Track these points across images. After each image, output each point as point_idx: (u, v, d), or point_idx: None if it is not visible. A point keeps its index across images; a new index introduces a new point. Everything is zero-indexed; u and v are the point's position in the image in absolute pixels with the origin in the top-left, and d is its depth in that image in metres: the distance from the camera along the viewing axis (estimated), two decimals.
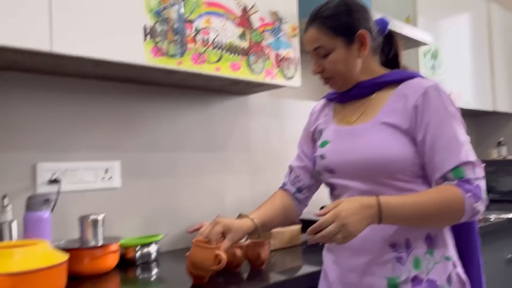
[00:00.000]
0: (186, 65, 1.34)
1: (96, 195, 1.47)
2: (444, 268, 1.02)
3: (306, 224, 1.64)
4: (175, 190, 1.66)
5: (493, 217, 2.12)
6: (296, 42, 1.69)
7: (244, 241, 1.27)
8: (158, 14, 1.28)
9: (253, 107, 1.93)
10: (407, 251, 1.02)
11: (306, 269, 1.23)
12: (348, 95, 1.17)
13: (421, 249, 1.02)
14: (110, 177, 1.49)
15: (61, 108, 1.42)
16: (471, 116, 3.25)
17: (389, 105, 1.08)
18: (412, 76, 1.10)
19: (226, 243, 1.10)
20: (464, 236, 1.13)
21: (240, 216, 1.76)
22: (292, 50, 1.67)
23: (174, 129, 1.67)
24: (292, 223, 1.59)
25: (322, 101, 1.30)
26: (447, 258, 1.04)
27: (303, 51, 1.79)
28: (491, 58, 2.91)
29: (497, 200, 2.78)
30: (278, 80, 1.61)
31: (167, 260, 1.46)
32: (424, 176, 1.06)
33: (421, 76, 1.10)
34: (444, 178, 1.00)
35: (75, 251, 1.21)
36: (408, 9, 2.32)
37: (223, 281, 1.13)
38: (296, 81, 1.68)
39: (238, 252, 1.21)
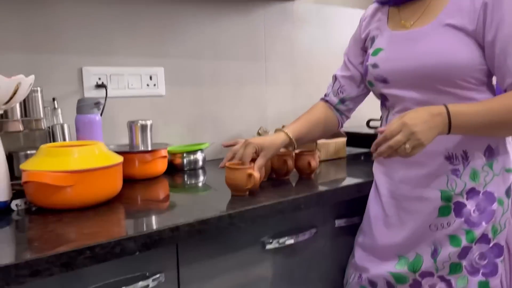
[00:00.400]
0: None
1: (142, 102, 1.45)
2: (504, 180, 0.99)
3: (352, 137, 1.60)
4: (218, 99, 1.63)
5: None
6: None
7: (295, 150, 1.25)
8: None
9: (298, 15, 1.81)
10: (464, 163, 0.98)
11: (353, 180, 1.21)
12: None
13: (480, 161, 0.98)
14: (155, 84, 1.46)
15: (107, 12, 1.36)
16: None
17: (452, 4, 0.97)
18: None
19: (259, 161, 1.08)
20: None
21: (283, 127, 1.73)
22: None
23: (218, 37, 1.59)
24: (335, 135, 1.56)
25: (374, 5, 1.18)
26: (508, 170, 0.99)
27: None
28: None
29: None
30: None
31: (211, 168, 1.47)
32: (488, 83, 0.98)
33: None
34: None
35: (126, 155, 1.22)
36: None
37: (272, 188, 1.13)
38: None
39: (289, 160, 1.19)
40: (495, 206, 0.96)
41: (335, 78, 1.27)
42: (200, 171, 1.42)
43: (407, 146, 0.87)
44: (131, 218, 0.91)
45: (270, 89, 1.76)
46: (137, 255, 0.79)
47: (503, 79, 0.94)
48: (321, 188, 1.13)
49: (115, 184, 1.02)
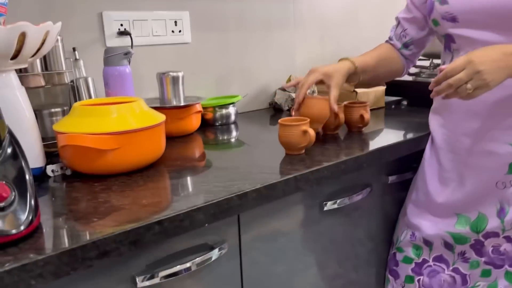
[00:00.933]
0: None
1: (167, 51, 1.31)
2: None
3: (391, 85, 1.50)
4: (246, 47, 1.49)
5: None
6: None
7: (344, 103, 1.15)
8: None
9: None
10: None
11: (406, 132, 1.12)
12: None
13: None
14: (180, 31, 1.31)
15: None
16: None
17: None
18: None
19: (333, 91, 1.00)
20: None
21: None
22: None
23: None
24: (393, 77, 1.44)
25: None
26: None
27: None
28: None
29: None
30: None
31: (244, 122, 1.36)
32: None
33: None
34: None
35: (159, 110, 1.11)
36: None
37: (327, 145, 1.04)
38: None
39: (340, 113, 1.09)
40: None
41: (398, 20, 1.15)
42: (233, 126, 1.32)
43: (469, 86, 0.78)
44: (184, 184, 0.81)
45: (298, 34, 1.62)
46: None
47: None
48: (380, 143, 1.03)
49: (160, 145, 0.91)
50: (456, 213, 1.01)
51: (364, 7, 1.82)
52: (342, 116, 1.10)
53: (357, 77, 1.08)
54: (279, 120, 0.96)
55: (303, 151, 0.96)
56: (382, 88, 1.45)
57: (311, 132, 0.93)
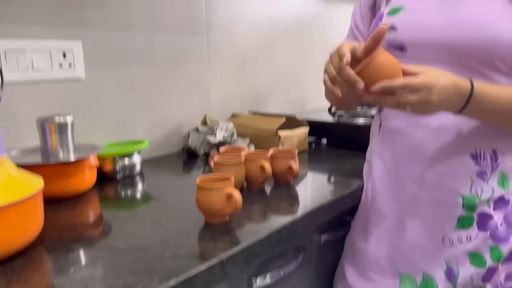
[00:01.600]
0: None
1: (53, 89, 1.06)
2: None
3: (313, 126, 1.40)
4: (153, 82, 1.29)
5: None
6: None
7: (270, 152, 1.00)
8: None
9: None
10: (493, 165, 0.82)
11: (342, 179, 1.01)
12: None
13: (510, 163, 0.82)
14: (70, 64, 1.08)
15: None
16: None
17: None
18: None
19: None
20: None
21: (234, 115, 1.46)
22: None
23: (150, 1, 1.24)
24: (297, 124, 1.33)
25: None
26: None
27: None
28: None
29: None
30: None
31: (151, 172, 1.16)
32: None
33: None
34: None
35: (38, 168, 0.86)
36: None
37: (254, 206, 0.87)
38: None
39: (267, 165, 0.93)
40: None
41: None
42: (138, 178, 1.10)
43: (409, 109, 0.70)
44: (66, 284, 0.58)
45: (213, 69, 1.46)
46: None
47: None
48: (315, 200, 0.89)
49: (35, 223, 0.67)
50: (398, 271, 0.90)
51: (279, 41, 1.73)
52: (269, 168, 0.94)
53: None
54: (197, 180, 0.77)
55: (227, 217, 0.78)
56: (305, 130, 1.34)
57: (237, 197, 0.75)
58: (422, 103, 0.70)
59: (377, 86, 0.69)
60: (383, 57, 0.70)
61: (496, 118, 0.78)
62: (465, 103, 0.73)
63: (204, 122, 1.35)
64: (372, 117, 1.34)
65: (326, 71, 0.78)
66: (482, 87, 0.74)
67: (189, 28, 1.36)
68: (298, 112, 1.80)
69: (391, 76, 0.69)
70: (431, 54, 0.82)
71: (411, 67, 0.72)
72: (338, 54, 0.74)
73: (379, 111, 0.96)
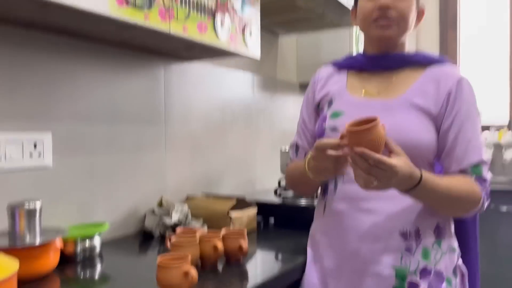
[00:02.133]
0: (153, 20, 1.10)
1: (23, 177, 1.15)
2: (450, 259, 1.02)
3: (261, 207, 1.54)
4: (114, 169, 1.40)
5: None
6: (258, 7, 1.53)
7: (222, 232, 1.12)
8: None
9: (196, 75, 1.72)
10: (417, 240, 0.99)
11: (285, 255, 1.13)
12: (375, 64, 1.07)
13: (430, 239, 1.00)
14: (40, 154, 1.18)
15: None
16: None
17: (418, 85, 1.01)
18: (442, 61, 1.05)
19: None
20: (469, 228, 1.15)
21: (188, 197, 1.58)
22: (255, 16, 1.51)
23: (113, 96, 1.39)
24: (245, 205, 1.47)
25: (329, 68, 1.17)
26: (453, 249, 1.03)
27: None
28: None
29: None
30: (240, 48, 1.44)
31: (110, 253, 1.23)
32: (433, 165, 1.03)
33: (451, 63, 1.07)
34: (462, 172, 0.98)
35: (8, 252, 0.92)
36: None
37: (201, 281, 0.98)
38: (256, 50, 1.53)
39: (219, 244, 1.05)
40: (444, 285, 0.98)
41: (296, 147, 1.19)
42: (98, 260, 1.17)
43: (375, 183, 0.85)
44: None
45: (169, 155, 1.60)
46: None
47: (449, 165, 1.00)
48: (265, 276, 1.01)
49: None
50: None
51: (230, 129, 1.91)
52: (221, 247, 1.06)
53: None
54: (158, 259, 0.88)
55: None
56: (253, 210, 1.48)
57: (194, 274, 0.86)
58: (385, 179, 0.84)
59: (359, 150, 0.83)
60: (377, 130, 0.85)
61: (433, 201, 0.95)
62: (412, 187, 0.89)
63: (160, 204, 1.45)
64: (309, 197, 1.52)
65: (313, 158, 0.92)
66: (428, 178, 0.90)
67: (149, 119, 1.52)
68: (248, 192, 1.95)
69: (376, 146, 0.84)
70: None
71: (393, 145, 0.87)
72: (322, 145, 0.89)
73: (323, 196, 1.11)
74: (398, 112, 1.00)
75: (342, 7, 1.80)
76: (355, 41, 2.33)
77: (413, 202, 0.98)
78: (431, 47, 3.31)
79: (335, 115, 1.05)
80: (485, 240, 2.48)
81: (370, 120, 0.86)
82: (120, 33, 1.19)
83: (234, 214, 1.39)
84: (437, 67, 1.04)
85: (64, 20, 1.07)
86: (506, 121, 3.12)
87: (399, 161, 0.85)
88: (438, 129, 1.00)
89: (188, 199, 1.55)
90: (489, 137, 2.96)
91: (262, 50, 2.10)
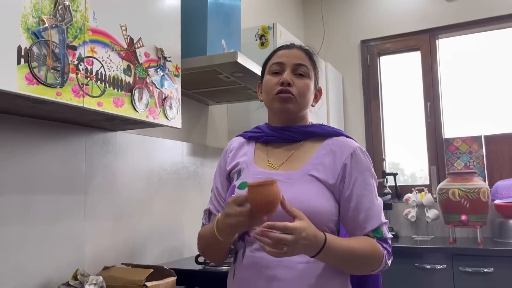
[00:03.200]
0: (66, 97, 1.15)
1: None
2: None
3: (181, 274, 1.54)
4: (24, 241, 1.37)
5: None
6: (178, 82, 1.62)
7: None
8: (37, 35, 1.08)
9: (120, 145, 1.76)
10: None
11: None
12: (278, 136, 1.17)
13: None
14: None
15: None
16: None
17: (316, 158, 1.11)
18: (338, 133, 1.17)
19: None
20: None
21: (105, 268, 1.55)
22: (175, 90, 1.60)
23: (27, 165, 1.39)
24: (164, 275, 1.47)
25: (239, 139, 1.26)
26: None
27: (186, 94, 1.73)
28: (328, 112, 3.30)
29: None
30: (160, 119, 1.51)
31: None
32: (336, 231, 1.11)
33: (345, 135, 1.17)
34: (365, 235, 1.07)
35: None
36: None
37: None
38: (177, 121, 1.60)
39: None
40: None
41: (209, 212, 1.23)
42: None
43: (285, 249, 0.92)
44: None
45: (89, 225, 1.59)
46: None
47: (353, 231, 1.08)
48: None
49: None
50: None
51: (156, 196, 1.93)
52: None
53: None
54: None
55: None
56: (172, 279, 1.48)
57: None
58: (293, 243, 0.91)
59: (266, 224, 0.91)
60: (273, 187, 0.94)
61: (339, 262, 1.03)
62: (319, 251, 0.97)
63: (75, 277, 1.42)
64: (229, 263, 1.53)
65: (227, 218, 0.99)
66: (332, 238, 0.99)
67: (67, 189, 1.51)
68: (175, 260, 1.94)
69: (272, 201, 0.94)
70: (274, 219, 1.00)
71: (294, 209, 0.96)
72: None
73: (234, 263, 1.15)
74: (298, 183, 1.08)
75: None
76: None
77: (314, 268, 1.04)
78: (357, 115, 3.57)
79: (243, 185, 1.12)
80: None
81: (269, 181, 0.96)
82: (35, 107, 1.22)
83: (150, 283, 1.39)
84: (334, 139, 1.15)
85: None
86: (427, 182, 3.36)
87: (303, 224, 0.94)
88: (337, 198, 1.09)
89: (104, 270, 1.52)
90: (412, 197, 3.15)
91: (192, 119, 2.20)
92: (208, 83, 1.97)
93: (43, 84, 1.08)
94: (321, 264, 1.04)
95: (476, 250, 2.54)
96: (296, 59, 1.16)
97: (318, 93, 1.23)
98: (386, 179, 3.30)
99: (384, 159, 3.42)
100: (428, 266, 2.63)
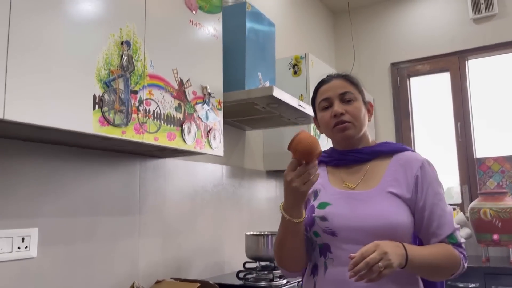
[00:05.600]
0: (129, 134, 1.36)
1: (10, 267, 1.32)
2: None
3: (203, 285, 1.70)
4: (91, 256, 1.58)
5: None
6: (221, 114, 1.82)
7: None
8: (107, 84, 1.30)
9: (169, 170, 1.97)
10: None
11: None
12: (348, 158, 1.24)
13: None
14: (27, 246, 1.37)
15: None
16: None
17: (389, 174, 1.19)
18: (404, 149, 1.25)
19: None
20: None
21: (157, 282, 1.74)
22: (218, 122, 1.79)
23: (93, 192, 1.61)
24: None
25: None
26: None
27: (225, 122, 1.92)
28: None
29: None
30: (206, 149, 1.70)
31: None
32: (412, 244, 1.17)
33: (411, 150, 1.27)
34: (440, 242, 1.15)
35: None
36: (302, 88, 2.66)
37: None
38: (220, 150, 1.79)
39: None
40: None
41: None
42: None
43: (380, 264, 0.98)
44: None
45: (143, 242, 1.79)
46: None
47: (428, 239, 1.16)
48: None
49: None
50: None
51: (200, 215, 2.12)
52: None
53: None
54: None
55: None
56: (196, 286, 1.64)
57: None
58: (384, 256, 0.98)
59: (350, 265, 0.99)
60: (302, 135, 1.08)
61: (424, 268, 1.10)
62: (406, 255, 1.03)
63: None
64: (267, 279, 1.67)
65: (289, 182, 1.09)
66: (410, 246, 1.07)
67: (124, 210, 1.72)
68: (217, 276, 2.11)
69: (311, 147, 1.06)
70: (354, 237, 1.13)
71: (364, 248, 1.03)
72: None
73: (313, 276, 1.21)
74: (377, 200, 1.16)
75: (295, 109, 2.11)
76: (313, 133, 2.64)
77: (393, 283, 1.12)
78: (389, 135, 3.67)
79: (322, 205, 1.20)
80: None
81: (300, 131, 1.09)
82: (102, 142, 1.44)
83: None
84: (401, 155, 1.23)
85: (59, 137, 1.32)
86: (459, 200, 3.40)
87: (376, 241, 1.03)
88: (412, 210, 1.17)
89: (157, 283, 1.72)
90: None
91: (231, 143, 2.39)
92: (246, 113, 2.15)
93: (112, 125, 1.30)
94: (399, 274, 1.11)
95: (508, 269, 2.58)
96: (339, 88, 1.23)
97: (370, 108, 1.30)
98: None
99: None
100: (461, 285, 2.68)
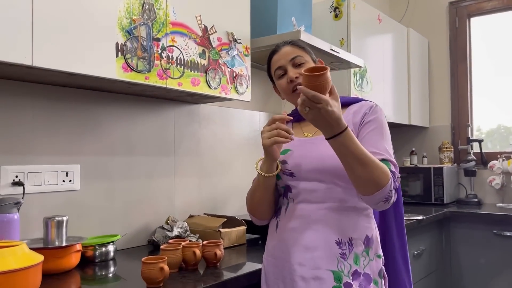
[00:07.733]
0: (152, 80, 1.46)
1: (57, 197, 1.53)
2: (376, 264, 1.26)
3: (251, 225, 1.82)
4: (130, 192, 1.76)
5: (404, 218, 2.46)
6: (248, 60, 1.86)
7: (202, 242, 1.43)
8: (129, 32, 1.39)
9: (203, 115, 2.07)
10: (349, 249, 1.23)
11: (254, 265, 1.42)
12: None
13: (360, 248, 1.24)
14: (70, 180, 1.56)
15: (24, 113, 1.47)
16: (389, 128, 3.64)
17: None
18: (359, 100, 1.35)
19: None
20: (395, 235, 1.38)
21: (190, 216, 1.90)
22: (245, 68, 1.84)
23: (130, 134, 1.77)
24: (236, 224, 1.76)
25: None
26: (379, 256, 1.28)
27: (253, 68, 1.96)
28: (408, 78, 3.30)
29: (408, 202, 3.19)
30: (232, 95, 1.77)
31: (122, 258, 1.57)
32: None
33: (365, 100, 1.35)
34: None
35: (40, 251, 1.29)
36: (343, 32, 2.59)
37: (181, 278, 1.28)
38: (247, 96, 1.85)
39: (197, 251, 1.36)
40: (372, 285, 1.22)
41: None
42: (111, 262, 1.51)
43: (307, 109, 1.06)
44: None
45: (179, 181, 1.95)
46: None
47: None
48: (226, 275, 1.30)
49: (36, 283, 1.09)
50: None
51: (237, 159, 2.23)
52: (198, 253, 1.36)
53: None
54: (142, 259, 1.20)
55: (161, 284, 1.19)
56: (243, 228, 1.77)
57: (166, 269, 1.17)
58: (316, 110, 1.04)
59: (302, 87, 1.06)
60: (324, 75, 1.04)
61: (354, 158, 1.11)
62: (337, 133, 1.08)
63: (167, 222, 1.79)
64: None
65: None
66: (352, 135, 1.11)
67: (160, 152, 1.87)
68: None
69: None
70: (310, 175, 1.25)
71: (335, 92, 1.10)
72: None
73: (275, 217, 1.39)
74: (322, 146, 1.23)
75: (329, 54, 2.09)
76: (354, 81, 2.60)
77: (347, 219, 1.23)
78: (443, 80, 3.49)
79: (284, 152, 1.34)
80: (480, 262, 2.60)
81: (321, 68, 1.06)
82: (131, 87, 1.56)
83: (224, 230, 1.70)
84: (355, 105, 1.32)
85: (87, 82, 1.46)
86: None
87: (334, 102, 1.07)
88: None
89: (190, 218, 1.88)
90: (498, 164, 3.07)
91: (267, 90, 2.43)
92: None
93: (135, 71, 1.40)
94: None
95: None
96: (289, 55, 1.32)
97: (319, 64, 1.32)
98: (471, 145, 3.24)
99: (469, 125, 3.33)
100: (508, 233, 2.61)
